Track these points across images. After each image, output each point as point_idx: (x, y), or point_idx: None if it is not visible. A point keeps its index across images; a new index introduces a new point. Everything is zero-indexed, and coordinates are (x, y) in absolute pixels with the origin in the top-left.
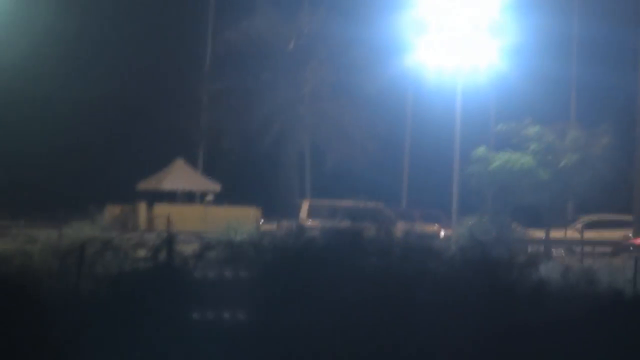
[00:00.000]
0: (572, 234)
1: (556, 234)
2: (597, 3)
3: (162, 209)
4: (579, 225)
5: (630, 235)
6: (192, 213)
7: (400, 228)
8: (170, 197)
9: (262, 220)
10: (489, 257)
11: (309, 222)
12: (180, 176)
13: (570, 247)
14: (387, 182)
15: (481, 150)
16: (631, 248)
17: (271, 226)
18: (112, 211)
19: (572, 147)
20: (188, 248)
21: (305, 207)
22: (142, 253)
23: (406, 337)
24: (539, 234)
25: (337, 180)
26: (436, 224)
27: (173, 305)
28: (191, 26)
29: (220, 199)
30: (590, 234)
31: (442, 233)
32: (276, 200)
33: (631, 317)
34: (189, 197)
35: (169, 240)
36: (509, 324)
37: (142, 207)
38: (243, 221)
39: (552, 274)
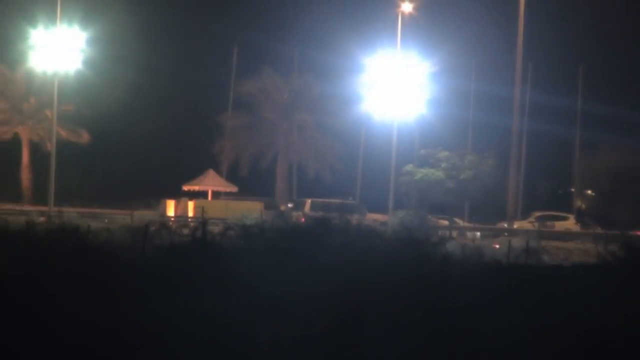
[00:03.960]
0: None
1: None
2: (486, 69)
3: (198, 203)
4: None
5: (506, 224)
6: (218, 205)
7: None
8: (204, 194)
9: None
10: (413, 237)
11: (311, 213)
12: (211, 181)
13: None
14: (347, 188)
15: (409, 167)
16: (505, 233)
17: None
18: (166, 203)
19: (469, 166)
20: (215, 229)
21: (308, 203)
22: (186, 231)
23: (360, 284)
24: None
25: (314, 187)
26: (380, 215)
27: (206, 266)
28: (220, 81)
29: (237, 196)
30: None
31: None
32: (274, 197)
33: (507, 278)
34: (216, 195)
35: (203, 224)
36: (424, 281)
37: (186, 201)
38: (252, 211)
39: (454, 250)
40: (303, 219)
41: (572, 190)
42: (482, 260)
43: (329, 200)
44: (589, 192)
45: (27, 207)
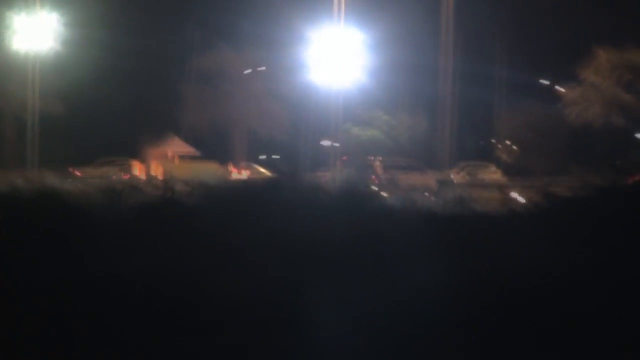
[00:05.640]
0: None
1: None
2: (420, 40)
3: (165, 165)
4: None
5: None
6: (183, 167)
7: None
8: (170, 157)
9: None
10: (356, 190)
11: (381, 173)
12: (176, 145)
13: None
14: (296, 147)
15: (351, 127)
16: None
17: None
18: (136, 166)
19: (404, 126)
20: (180, 187)
21: (378, 164)
22: (155, 191)
23: (306, 232)
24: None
25: (267, 147)
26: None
27: (172, 219)
28: (182, 55)
29: (198, 158)
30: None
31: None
32: (231, 158)
33: (440, 226)
34: (181, 157)
35: (169, 183)
36: (367, 230)
37: (154, 164)
38: (213, 172)
39: (395, 201)
40: (375, 178)
41: (494, 142)
42: (418, 210)
43: (397, 161)
44: (509, 143)
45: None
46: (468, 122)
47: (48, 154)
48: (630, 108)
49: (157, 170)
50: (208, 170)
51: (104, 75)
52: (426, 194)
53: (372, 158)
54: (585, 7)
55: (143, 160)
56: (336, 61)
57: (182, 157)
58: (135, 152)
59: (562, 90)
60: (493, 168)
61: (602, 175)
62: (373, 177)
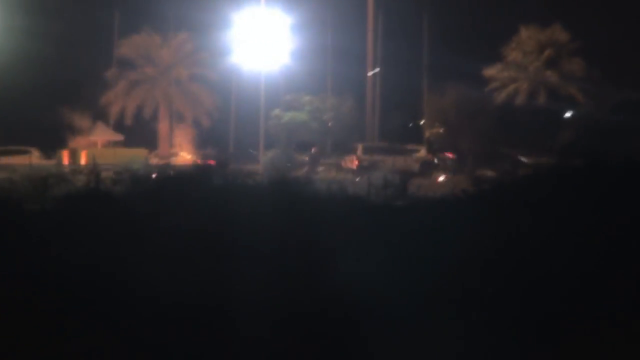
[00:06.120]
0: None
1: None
2: (344, 22)
3: (89, 151)
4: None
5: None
6: (107, 153)
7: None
8: (95, 144)
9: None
10: (283, 175)
11: (364, 157)
12: (100, 131)
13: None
14: (222, 133)
15: (276, 111)
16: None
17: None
18: (62, 153)
19: (330, 108)
20: (106, 174)
21: (360, 147)
22: (81, 179)
23: (231, 223)
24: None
25: (193, 132)
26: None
27: (98, 208)
28: (105, 41)
29: (124, 144)
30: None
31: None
32: (158, 146)
33: (362, 211)
34: (107, 144)
35: (95, 171)
36: (295, 216)
37: (78, 150)
38: (138, 157)
39: (321, 186)
40: (357, 162)
41: (421, 123)
42: (347, 196)
43: (379, 144)
44: (437, 125)
45: None
46: (394, 105)
47: None
48: (555, 86)
49: (81, 158)
50: (134, 157)
51: (25, 61)
52: (357, 179)
53: (357, 145)
54: None
55: (70, 148)
56: (261, 44)
57: (108, 144)
58: (62, 140)
59: (488, 70)
60: (422, 151)
61: (530, 156)
62: (355, 160)
